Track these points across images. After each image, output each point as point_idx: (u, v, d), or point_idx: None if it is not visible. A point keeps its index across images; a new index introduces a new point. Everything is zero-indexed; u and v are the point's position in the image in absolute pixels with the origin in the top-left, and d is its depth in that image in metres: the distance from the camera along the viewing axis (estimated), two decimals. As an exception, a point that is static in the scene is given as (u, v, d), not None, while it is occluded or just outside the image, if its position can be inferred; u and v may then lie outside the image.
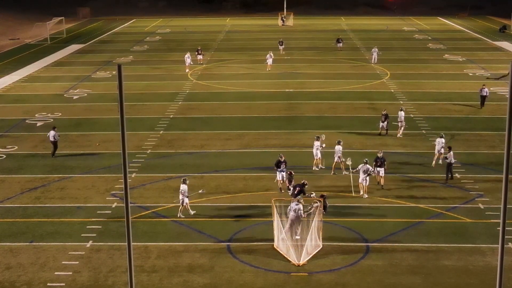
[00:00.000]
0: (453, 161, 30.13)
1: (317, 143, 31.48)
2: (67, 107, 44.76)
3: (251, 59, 61.92)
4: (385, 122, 36.80)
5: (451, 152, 30.24)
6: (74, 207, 27.59)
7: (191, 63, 56.80)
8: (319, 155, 31.51)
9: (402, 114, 36.77)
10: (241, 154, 34.38)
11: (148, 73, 56.24)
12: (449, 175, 30.15)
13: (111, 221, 25.99)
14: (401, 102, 44.75)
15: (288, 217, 23.65)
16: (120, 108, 12.46)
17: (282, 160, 28.97)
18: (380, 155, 29.43)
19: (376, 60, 59.64)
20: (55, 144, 34.20)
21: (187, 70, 56.16)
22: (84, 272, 21.97)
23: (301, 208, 23.70)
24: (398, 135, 36.61)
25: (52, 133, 34.12)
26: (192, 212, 26.34)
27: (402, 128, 36.74)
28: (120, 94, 12.32)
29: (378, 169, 29.15)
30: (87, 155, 34.36)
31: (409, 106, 43.59)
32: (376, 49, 60.53)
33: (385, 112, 37.29)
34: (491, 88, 47.30)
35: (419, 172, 31.38)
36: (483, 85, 43.40)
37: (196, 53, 59.98)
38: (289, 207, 23.84)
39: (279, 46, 64.82)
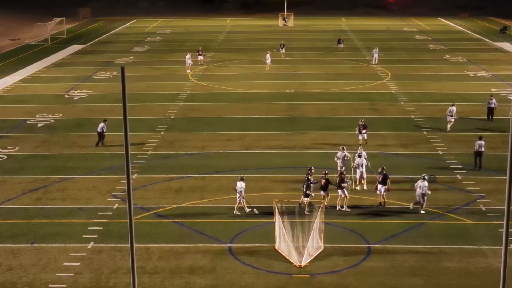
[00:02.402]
0: (482, 149, 31.12)
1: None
2: (67, 108, 44.76)
3: (252, 60, 61.91)
4: (365, 133, 35.10)
5: (482, 141, 31.25)
6: (75, 208, 27.58)
7: (192, 63, 56.81)
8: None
9: (454, 109, 37.91)
10: (242, 155, 34.37)
11: (149, 74, 56.21)
12: (479, 164, 31.30)
13: (112, 222, 26.00)
14: (402, 103, 44.79)
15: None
16: (124, 110, 12.44)
17: (312, 172, 26.99)
18: (383, 170, 27.42)
19: (376, 60, 59.62)
20: (101, 135, 35.47)
21: (187, 71, 56.16)
22: (86, 274, 21.96)
23: (426, 185, 26.16)
24: (450, 126, 37.85)
25: (101, 125, 35.44)
26: (248, 210, 26.57)
27: (452, 122, 37.92)
28: (124, 96, 12.30)
29: (380, 186, 26.93)
30: (88, 156, 34.37)
31: (409, 107, 43.62)
32: (377, 50, 60.49)
33: (363, 122, 35.51)
34: (492, 89, 47.33)
35: (420, 173, 31.27)
36: (491, 96, 41.33)
37: (197, 53, 59.97)
38: (416, 183, 26.68)
39: (280, 49, 64.10)
